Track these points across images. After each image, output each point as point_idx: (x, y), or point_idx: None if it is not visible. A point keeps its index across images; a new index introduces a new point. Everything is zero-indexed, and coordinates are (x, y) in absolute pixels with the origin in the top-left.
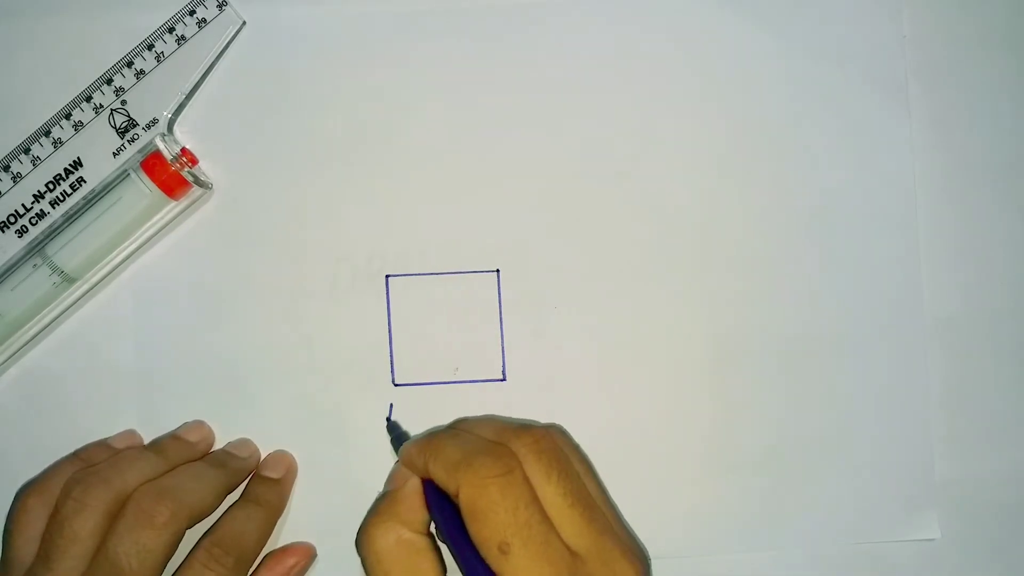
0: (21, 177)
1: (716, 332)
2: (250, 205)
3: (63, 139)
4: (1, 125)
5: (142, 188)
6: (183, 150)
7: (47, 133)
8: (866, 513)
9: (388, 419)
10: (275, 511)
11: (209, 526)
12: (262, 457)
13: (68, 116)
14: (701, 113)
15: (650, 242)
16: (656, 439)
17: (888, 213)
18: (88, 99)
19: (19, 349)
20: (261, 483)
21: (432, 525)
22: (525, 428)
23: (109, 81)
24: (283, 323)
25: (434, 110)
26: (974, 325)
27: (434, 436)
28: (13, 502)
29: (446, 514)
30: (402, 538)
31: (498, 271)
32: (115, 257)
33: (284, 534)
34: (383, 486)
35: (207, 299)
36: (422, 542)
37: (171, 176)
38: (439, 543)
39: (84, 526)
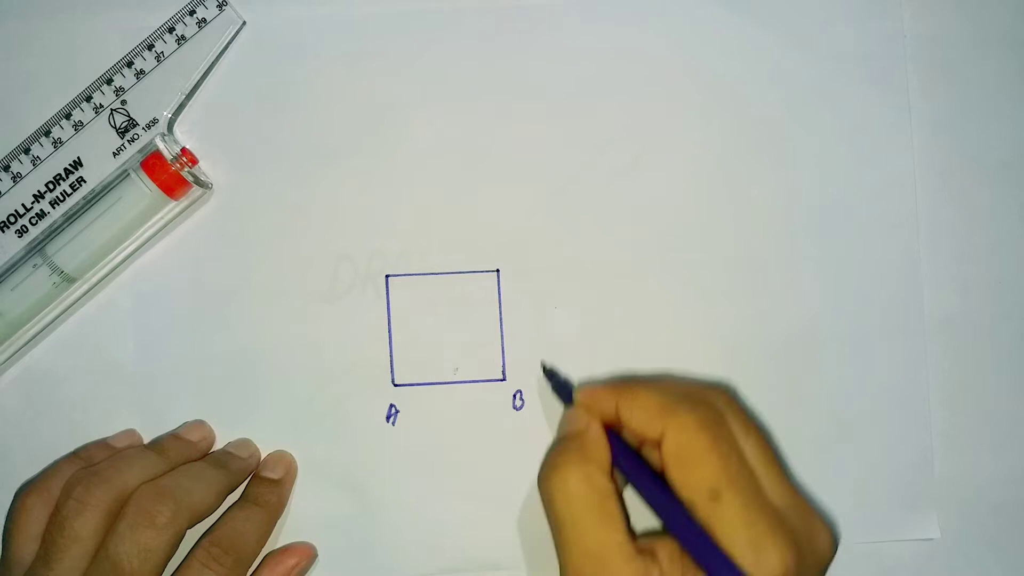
0: (21, 177)
1: (716, 332)
2: (250, 205)
3: (63, 139)
4: (1, 125)
5: (142, 188)
6: (183, 150)
7: (47, 133)
8: (866, 513)
9: (544, 366)
10: (275, 512)
11: (209, 526)
12: (262, 457)
13: (68, 116)
14: (701, 113)
15: (650, 242)
16: None
17: (888, 213)
18: (88, 99)
19: (19, 349)
20: (261, 484)
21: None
22: (712, 385)
23: (109, 81)
24: (283, 323)
25: (434, 110)
26: (974, 325)
27: (625, 382)
28: (13, 501)
29: (635, 461)
30: (593, 480)
31: (498, 271)
32: (115, 257)
33: (284, 534)
34: (558, 429)
35: (207, 299)
36: (610, 487)
37: (171, 176)
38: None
39: (85, 526)
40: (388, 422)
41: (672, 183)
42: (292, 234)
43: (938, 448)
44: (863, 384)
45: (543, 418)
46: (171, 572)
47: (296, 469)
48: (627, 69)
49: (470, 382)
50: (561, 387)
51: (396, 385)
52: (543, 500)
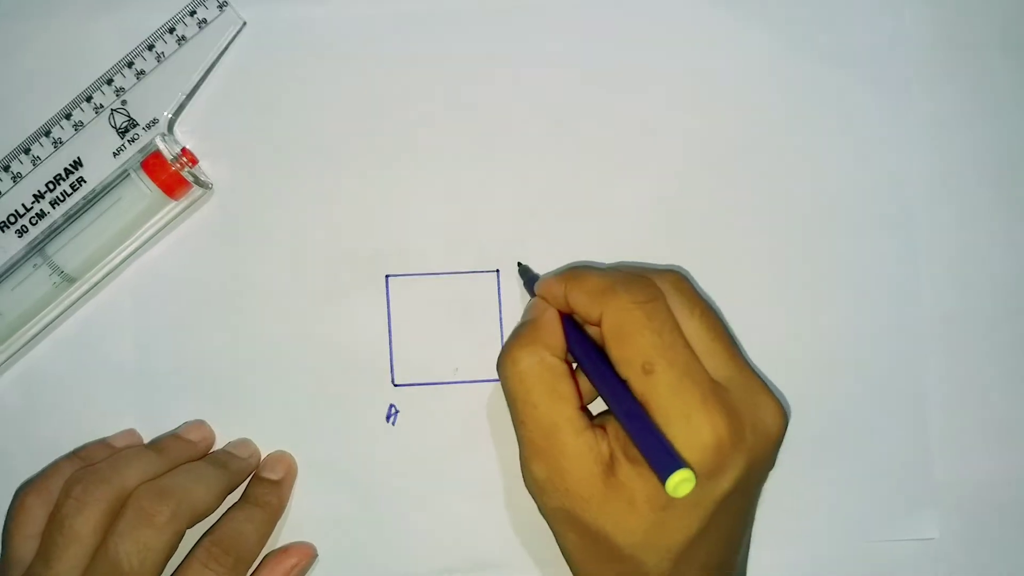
0: (21, 177)
1: None
2: (250, 205)
3: (63, 139)
4: (1, 125)
5: (142, 188)
6: (183, 150)
7: (47, 133)
8: (866, 513)
9: (520, 263)
10: (275, 512)
11: (209, 527)
12: (262, 457)
13: (68, 116)
14: (701, 113)
15: (649, 242)
16: None
17: (888, 213)
18: (88, 99)
19: (19, 349)
20: (261, 484)
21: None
22: (662, 269)
23: (109, 81)
24: (283, 323)
25: (434, 110)
26: (974, 325)
27: (575, 268)
28: (12, 500)
29: (583, 342)
30: (544, 360)
31: (498, 271)
32: (115, 257)
33: (284, 534)
34: (521, 317)
35: (207, 299)
36: (561, 366)
37: (171, 176)
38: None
39: (84, 525)
40: (388, 422)
41: (671, 183)
42: (292, 234)
43: (938, 448)
44: (863, 384)
45: None
46: (171, 572)
47: (296, 469)
48: (627, 69)
49: (470, 382)
50: (531, 282)
51: (396, 385)
52: (501, 380)
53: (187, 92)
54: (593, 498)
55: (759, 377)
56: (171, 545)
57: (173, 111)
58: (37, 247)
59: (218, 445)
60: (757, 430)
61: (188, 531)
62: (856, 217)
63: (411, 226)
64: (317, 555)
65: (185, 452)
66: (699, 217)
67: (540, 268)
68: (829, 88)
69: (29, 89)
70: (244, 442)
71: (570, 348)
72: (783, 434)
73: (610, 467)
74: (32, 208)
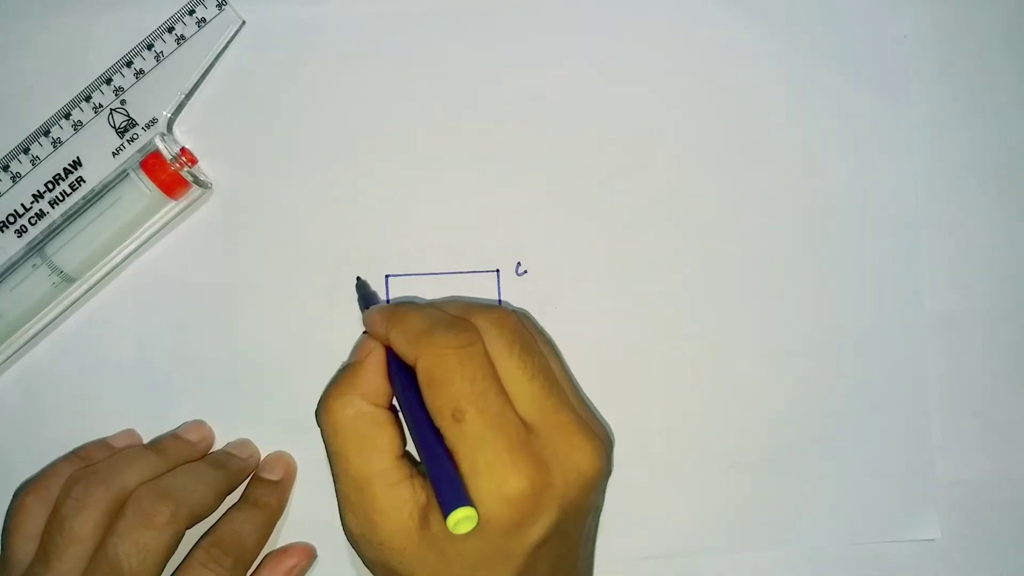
0: (20, 177)
1: (716, 332)
2: (250, 205)
3: (62, 139)
4: (1, 125)
5: (141, 188)
6: (183, 150)
7: (46, 133)
8: (866, 513)
9: (359, 278)
10: (274, 513)
11: (208, 527)
12: (261, 458)
13: (67, 116)
14: (701, 113)
15: (650, 242)
16: (655, 438)
17: (888, 213)
18: (87, 99)
19: (19, 349)
20: (260, 485)
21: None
22: (490, 306)
23: (108, 81)
24: (283, 323)
25: (434, 110)
26: (974, 325)
27: (400, 306)
28: (12, 501)
29: (405, 385)
30: (360, 411)
31: (498, 271)
32: (115, 257)
33: (284, 534)
34: (349, 356)
35: (207, 299)
36: (381, 415)
37: (171, 176)
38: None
39: (84, 526)
40: None
41: (671, 183)
42: (292, 234)
43: (938, 448)
44: (863, 384)
45: None
46: (171, 572)
47: (295, 470)
48: (627, 69)
49: None
50: (365, 302)
51: None
52: (319, 427)
53: (186, 92)
54: (407, 550)
55: (578, 414)
56: (170, 546)
57: (172, 111)
58: (36, 247)
59: (218, 445)
60: (569, 475)
61: (188, 531)
62: (856, 217)
63: (411, 226)
64: (317, 555)
65: (185, 452)
66: (698, 217)
67: (540, 268)
68: (829, 88)
69: (28, 89)
70: (243, 442)
71: (395, 392)
72: (601, 474)
73: (425, 519)
74: (31, 208)
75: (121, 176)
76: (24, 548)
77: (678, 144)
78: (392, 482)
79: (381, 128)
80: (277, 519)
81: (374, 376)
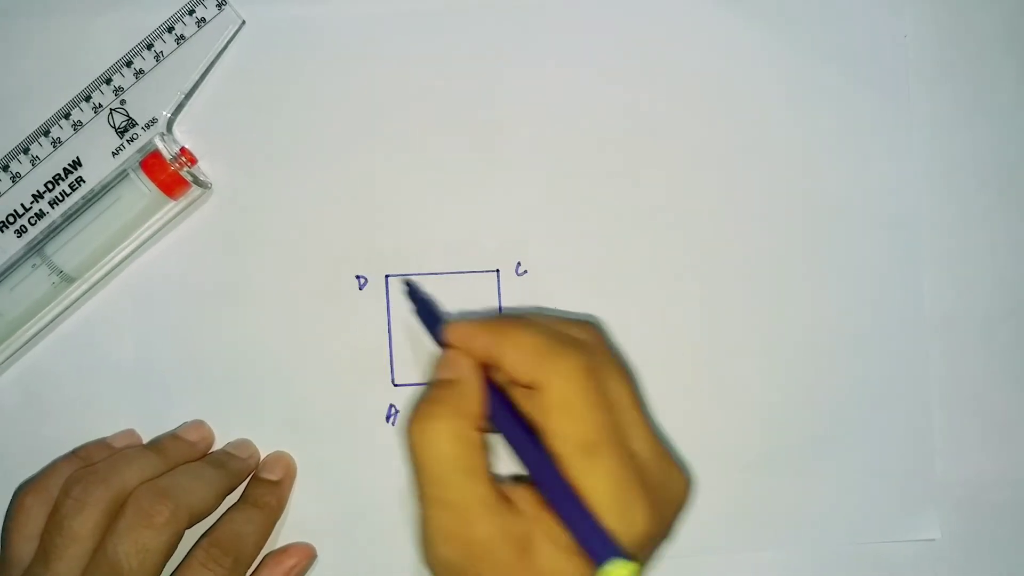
0: (20, 177)
1: (715, 331)
2: (250, 205)
3: (62, 139)
4: (1, 125)
5: (141, 188)
6: (182, 150)
7: (46, 133)
8: (866, 513)
9: (408, 282)
10: (274, 513)
11: (209, 527)
12: (261, 458)
13: (67, 116)
14: (701, 113)
15: (649, 242)
16: None
17: (888, 213)
18: (87, 99)
19: (19, 349)
20: (260, 485)
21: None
22: (585, 322)
23: (108, 81)
24: (283, 323)
25: (434, 110)
26: (974, 325)
27: (501, 321)
28: (11, 500)
29: (508, 411)
30: (462, 435)
31: (498, 271)
32: (115, 257)
33: (284, 534)
34: (434, 369)
35: (207, 299)
36: (479, 439)
37: (170, 176)
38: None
39: (83, 525)
40: (388, 422)
41: (671, 183)
42: (292, 234)
43: (938, 448)
44: (863, 384)
45: None
46: (170, 572)
47: (295, 470)
48: (627, 69)
49: None
50: (426, 312)
51: (396, 385)
52: (408, 447)
53: (186, 91)
54: None
55: (666, 445)
56: (170, 545)
57: (172, 110)
58: (36, 247)
59: (217, 445)
60: (671, 504)
61: (188, 531)
62: (856, 217)
63: (411, 226)
64: (316, 555)
65: (184, 452)
66: (698, 217)
67: (540, 268)
68: (829, 88)
69: (28, 89)
70: (243, 442)
71: (492, 415)
72: (688, 502)
73: (526, 550)
74: (31, 208)
75: (121, 176)
76: (24, 548)
77: (678, 144)
78: (492, 509)
79: (381, 128)
80: (277, 519)
81: (475, 395)
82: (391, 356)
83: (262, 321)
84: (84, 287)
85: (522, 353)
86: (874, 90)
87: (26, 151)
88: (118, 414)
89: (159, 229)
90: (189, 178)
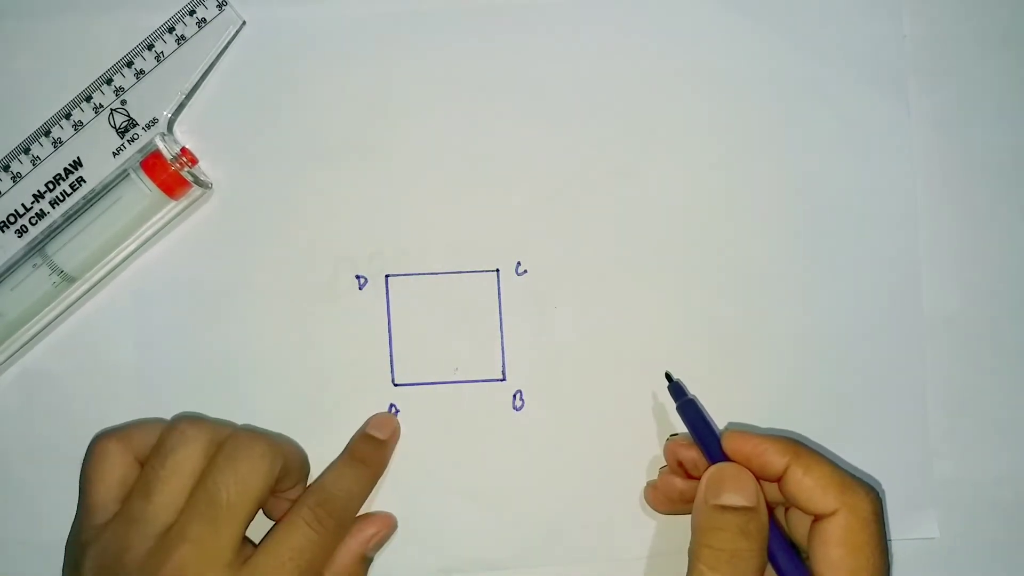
0: (21, 177)
1: (716, 332)
2: (250, 205)
3: (63, 139)
4: (1, 125)
5: (142, 188)
6: (183, 150)
7: (47, 133)
8: None
9: (670, 378)
10: (378, 472)
11: (317, 478)
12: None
13: (68, 116)
14: (701, 113)
15: (650, 242)
16: (655, 439)
17: (888, 213)
18: (88, 99)
19: (19, 349)
20: (368, 442)
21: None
22: (858, 480)
23: (109, 81)
24: (283, 323)
25: (434, 110)
26: (974, 325)
27: (796, 445)
28: (90, 447)
29: (780, 537)
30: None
31: (498, 271)
32: (115, 257)
33: None
34: (716, 482)
35: (207, 299)
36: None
37: (171, 176)
38: None
39: (188, 459)
40: None
41: (672, 183)
42: (292, 234)
43: (938, 448)
44: (863, 384)
45: (543, 418)
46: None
47: (399, 434)
48: (627, 69)
49: (470, 382)
50: (694, 412)
51: (396, 385)
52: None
53: (187, 92)
54: None
55: None
56: (267, 479)
57: (173, 111)
58: (37, 247)
59: None
60: None
61: None
62: (856, 217)
63: (411, 226)
64: (397, 526)
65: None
66: (698, 217)
67: (540, 268)
68: (829, 88)
69: (29, 89)
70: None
71: (773, 542)
72: None
73: None
74: (32, 208)
75: (121, 176)
76: (108, 494)
77: (678, 144)
78: None
79: (381, 128)
80: (380, 476)
81: (766, 526)
82: (391, 356)
83: (262, 321)
84: (85, 287)
85: (820, 480)
86: (874, 90)
87: (27, 151)
88: (118, 414)
89: (160, 229)
90: (190, 178)
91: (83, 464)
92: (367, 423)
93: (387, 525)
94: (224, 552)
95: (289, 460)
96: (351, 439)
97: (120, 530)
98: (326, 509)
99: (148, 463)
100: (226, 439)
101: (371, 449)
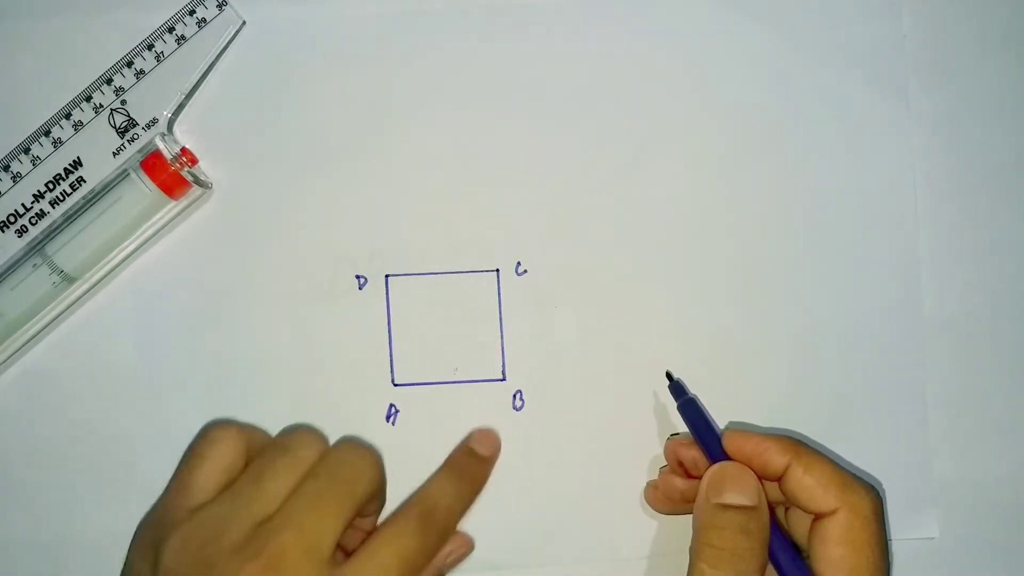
0: (21, 177)
1: (716, 332)
2: (250, 205)
3: (63, 139)
4: (1, 125)
5: (142, 188)
6: (183, 150)
7: (47, 133)
8: None
9: (671, 377)
10: (479, 487)
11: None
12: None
13: (68, 116)
14: (701, 113)
15: (650, 242)
16: (656, 439)
17: (888, 213)
18: (88, 99)
19: (19, 349)
20: (472, 458)
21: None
22: (858, 480)
23: (109, 81)
24: (283, 323)
25: (434, 110)
26: (974, 325)
27: (795, 443)
28: (203, 430)
29: (781, 536)
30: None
31: (498, 271)
32: (115, 257)
33: None
34: (717, 480)
35: (207, 299)
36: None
37: (171, 176)
38: None
39: (308, 457)
40: (388, 422)
41: (672, 183)
42: (292, 234)
43: (937, 448)
44: (863, 384)
45: (543, 418)
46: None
47: (500, 450)
48: (627, 69)
49: (470, 382)
50: (693, 410)
51: (396, 385)
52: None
53: (187, 92)
54: None
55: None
56: (371, 487)
57: (173, 111)
58: (37, 247)
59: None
60: None
61: None
62: (856, 217)
63: (411, 226)
64: (474, 547)
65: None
66: (698, 217)
67: (540, 268)
68: (829, 88)
69: (29, 89)
70: (486, 433)
71: (775, 540)
72: None
73: None
74: (32, 208)
75: (121, 176)
76: (212, 477)
77: (678, 144)
78: None
79: (381, 127)
80: (480, 492)
81: (767, 525)
82: (391, 356)
83: (262, 321)
84: (85, 287)
85: (820, 479)
86: (874, 90)
87: (27, 151)
88: (118, 414)
89: (160, 229)
90: (190, 178)
91: (192, 443)
92: (469, 437)
93: (465, 544)
94: (326, 545)
95: (384, 482)
96: (452, 452)
97: (221, 511)
98: (432, 518)
99: (263, 454)
100: (337, 446)
101: (472, 464)
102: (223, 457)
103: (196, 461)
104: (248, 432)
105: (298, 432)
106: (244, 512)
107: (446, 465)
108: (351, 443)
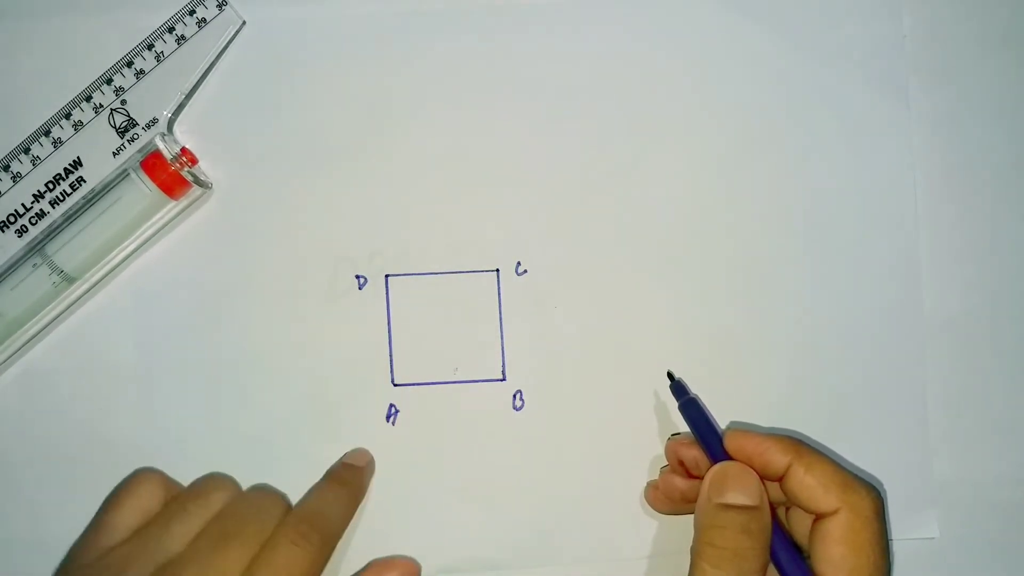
0: (21, 177)
1: (716, 332)
2: (250, 205)
3: (63, 139)
4: (1, 125)
5: (142, 188)
6: (183, 150)
7: (47, 133)
8: None
9: (672, 377)
10: (359, 494)
11: (297, 503)
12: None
13: (68, 116)
14: (701, 113)
15: (650, 242)
16: (656, 439)
17: (888, 213)
18: (88, 99)
19: (19, 349)
20: (346, 468)
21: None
22: (858, 479)
23: (109, 81)
24: (283, 323)
25: (434, 110)
26: (974, 325)
27: (796, 442)
28: (132, 474)
29: (782, 536)
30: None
31: (498, 271)
32: (115, 257)
33: None
34: (728, 491)
35: (207, 299)
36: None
37: (171, 176)
38: None
39: (220, 501)
40: (388, 422)
41: (672, 183)
42: (292, 234)
43: (937, 448)
44: (863, 384)
45: (543, 418)
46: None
47: (374, 466)
48: (627, 69)
49: (470, 382)
50: (695, 410)
51: (396, 385)
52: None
53: (187, 92)
54: None
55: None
56: (278, 518)
57: (173, 111)
58: (37, 247)
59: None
60: None
61: None
62: (856, 217)
63: (411, 226)
64: (420, 572)
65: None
66: (698, 216)
67: (540, 268)
68: (829, 88)
69: (29, 89)
70: (360, 451)
71: (777, 541)
72: None
73: None
74: (32, 208)
75: (121, 176)
76: (130, 519)
77: (678, 144)
78: None
79: (381, 127)
80: (360, 501)
81: (769, 525)
82: (391, 356)
83: (262, 321)
84: (84, 287)
85: (821, 479)
86: (873, 90)
87: (27, 151)
88: (118, 414)
89: (160, 229)
90: (190, 178)
91: (116, 488)
92: (343, 456)
93: (410, 571)
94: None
95: (338, 532)
96: (329, 468)
97: (129, 552)
98: (309, 524)
99: (176, 498)
100: (247, 490)
101: (349, 473)
102: (141, 501)
103: (115, 504)
104: (170, 482)
105: (210, 478)
106: (150, 554)
107: (325, 477)
108: (261, 487)
